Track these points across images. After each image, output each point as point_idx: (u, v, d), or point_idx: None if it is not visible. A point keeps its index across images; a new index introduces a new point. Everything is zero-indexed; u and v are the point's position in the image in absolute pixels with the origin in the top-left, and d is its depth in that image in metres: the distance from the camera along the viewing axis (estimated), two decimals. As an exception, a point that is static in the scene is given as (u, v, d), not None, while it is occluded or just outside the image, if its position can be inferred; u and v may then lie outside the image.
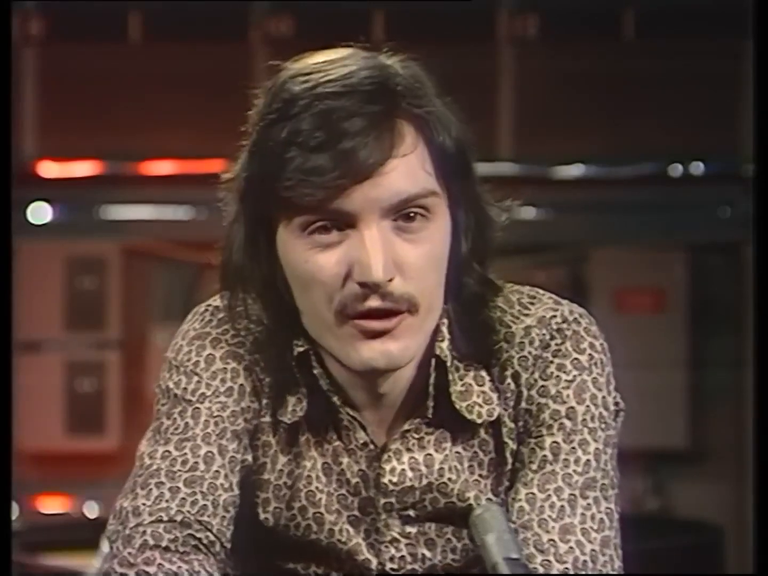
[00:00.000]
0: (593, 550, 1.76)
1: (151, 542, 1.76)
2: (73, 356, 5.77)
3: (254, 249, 1.79)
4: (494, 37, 5.60)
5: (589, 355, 1.82)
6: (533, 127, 5.51)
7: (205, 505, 1.79)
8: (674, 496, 5.60)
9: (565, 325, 1.82)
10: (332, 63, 1.71)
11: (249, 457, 1.84)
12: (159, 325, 5.72)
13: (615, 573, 1.77)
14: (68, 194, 5.76)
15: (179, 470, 1.80)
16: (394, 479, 1.82)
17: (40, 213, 5.80)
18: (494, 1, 5.59)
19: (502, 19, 5.59)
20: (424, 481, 1.83)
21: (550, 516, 1.77)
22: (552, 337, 1.82)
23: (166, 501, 1.78)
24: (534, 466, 1.80)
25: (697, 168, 5.68)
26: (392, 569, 1.84)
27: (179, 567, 1.74)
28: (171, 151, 5.67)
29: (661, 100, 5.53)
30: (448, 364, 1.79)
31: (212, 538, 1.78)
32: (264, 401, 1.84)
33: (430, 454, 1.83)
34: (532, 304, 1.84)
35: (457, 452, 1.83)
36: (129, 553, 1.75)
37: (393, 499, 1.83)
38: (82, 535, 4.38)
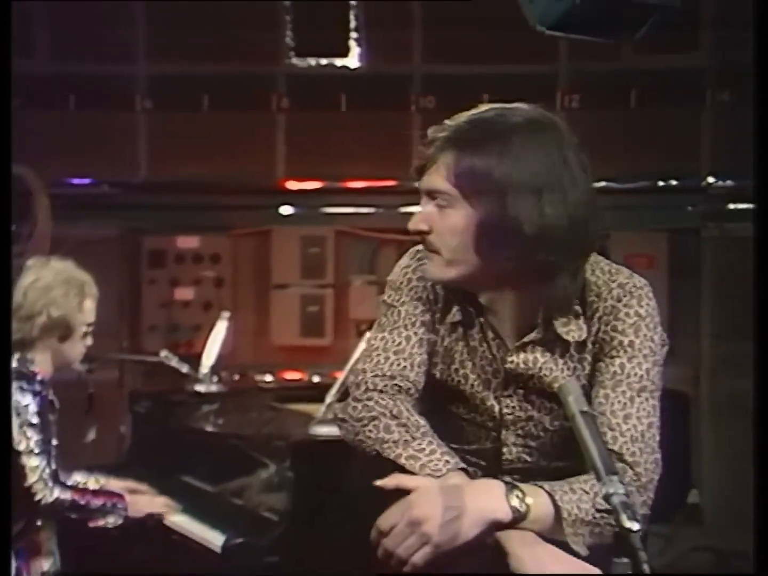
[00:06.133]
0: (642, 429, 1.74)
1: (372, 387, 1.73)
2: (305, 292, 5.95)
3: None
4: (552, 106, 5.67)
5: (646, 309, 1.78)
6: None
7: (405, 366, 1.76)
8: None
9: (634, 289, 1.79)
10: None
11: (432, 337, 1.81)
12: (354, 275, 5.90)
13: (655, 444, 1.75)
14: (303, 199, 5.94)
15: (390, 346, 1.77)
16: (512, 366, 1.81)
17: (286, 210, 5.99)
18: (551, 84, 5.65)
19: (557, 95, 5.68)
20: (530, 372, 1.80)
21: (617, 408, 1.73)
22: (625, 295, 1.78)
23: (381, 363, 1.76)
24: (608, 376, 1.76)
25: (674, 183, 5.73)
26: (506, 413, 1.81)
27: (388, 402, 1.71)
28: (361, 175, 5.85)
29: (653, 143, 5.61)
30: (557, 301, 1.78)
31: (409, 385, 1.76)
32: (439, 305, 1.84)
33: (536, 357, 1.79)
34: (617, 273, 1.82)
35: (554, 359, 1.79)
36: (358, 393, 1.75)
37: (511, 374, 1.83)
38: (310, 393, 4.23)
